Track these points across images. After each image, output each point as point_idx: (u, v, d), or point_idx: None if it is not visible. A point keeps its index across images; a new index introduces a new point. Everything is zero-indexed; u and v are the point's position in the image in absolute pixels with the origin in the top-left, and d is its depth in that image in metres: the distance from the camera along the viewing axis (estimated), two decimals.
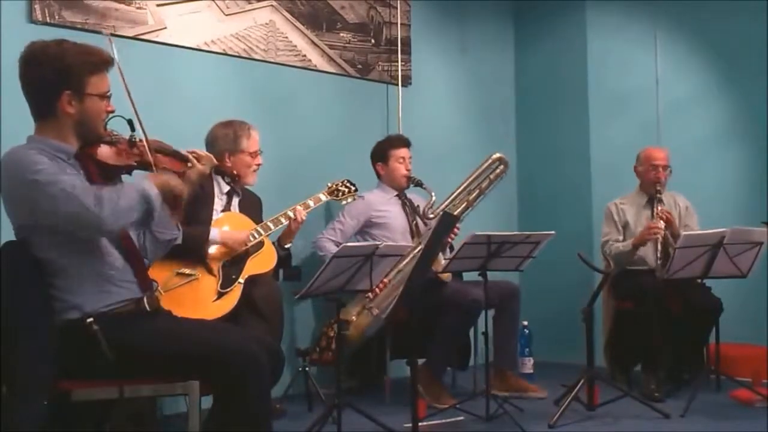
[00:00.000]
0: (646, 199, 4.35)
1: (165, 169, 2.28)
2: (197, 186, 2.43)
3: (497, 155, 3.99)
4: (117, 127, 2.28)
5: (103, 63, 2.21)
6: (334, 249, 3.74)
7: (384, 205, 4.12)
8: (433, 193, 3.94)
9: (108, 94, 2.22)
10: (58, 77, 2.14)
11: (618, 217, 4.34)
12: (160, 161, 2.28)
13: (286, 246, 3.54)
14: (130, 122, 2.23)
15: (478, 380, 3.99)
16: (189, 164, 2.35)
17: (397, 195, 4.17)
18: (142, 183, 2.16)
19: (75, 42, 2.21)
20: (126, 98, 2.23)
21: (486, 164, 3.97)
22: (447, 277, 3.78)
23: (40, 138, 2.18)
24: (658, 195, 4.25)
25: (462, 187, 3.94)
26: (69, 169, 2.15)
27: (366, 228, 4.10)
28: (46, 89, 2.16)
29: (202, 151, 2.41)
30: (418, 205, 4.14)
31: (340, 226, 4.06)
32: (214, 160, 2.42)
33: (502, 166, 3.97)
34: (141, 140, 2.26)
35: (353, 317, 3.70)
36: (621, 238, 4.29)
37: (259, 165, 3.49)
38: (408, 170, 4.11)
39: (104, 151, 2.24)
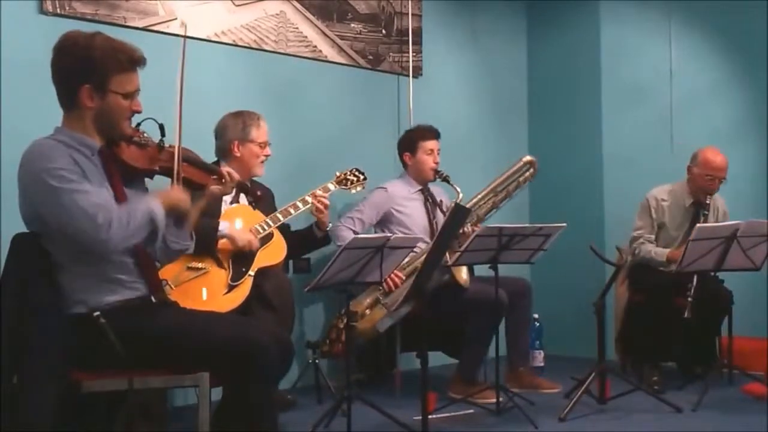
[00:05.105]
0: (690, 202, 4.16)
1: (188, 180, 2.25)
2: (215, 200, 2.42)
3: (528, 158, 3.96)
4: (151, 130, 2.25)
5: (132, 62, 2.17)
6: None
7: (406, 199, 4.04)
8: (460, 192, 3.86)
9: (133, 93, 2.19)
10: (80, 70, 2.13)
11: (656, 214, 4.17)
12: (186, 171, 2.25)
13: (326, 228, 3.62)
14: (161, 127, 2.21)
15: (489, 374, 3.98)
16: (215, 178, 2.34)
17: (420, 190, 4.09)
18: (150, 203, 2.13)
19: (108, 37, 2.18)
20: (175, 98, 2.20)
21: (516, 167, 3.94)
22: (465, 282, 3.71)
23: (66, 130, 2.17)
24: (706, 205, 4.07)
25: (489, 188, 3.90)
26: (90, 167, 2.13)
27: (385, 221, 4.04)
28: (69, 80, 2.15)
29: (233, 172, 2.40)
30: (441, 201, 4.09)
31: (359, 215, 3.98)
32: (240, 179, 2.43)
33: (531, 170, 3.94)
34: (170, 146, 2.23)
35: (366, 310, 3.69)
36: (653, 236, 4.18)
37: (267, 156, 3.47)
38: (436, 163, 4.03)
39: (130, 152, 2.22)
